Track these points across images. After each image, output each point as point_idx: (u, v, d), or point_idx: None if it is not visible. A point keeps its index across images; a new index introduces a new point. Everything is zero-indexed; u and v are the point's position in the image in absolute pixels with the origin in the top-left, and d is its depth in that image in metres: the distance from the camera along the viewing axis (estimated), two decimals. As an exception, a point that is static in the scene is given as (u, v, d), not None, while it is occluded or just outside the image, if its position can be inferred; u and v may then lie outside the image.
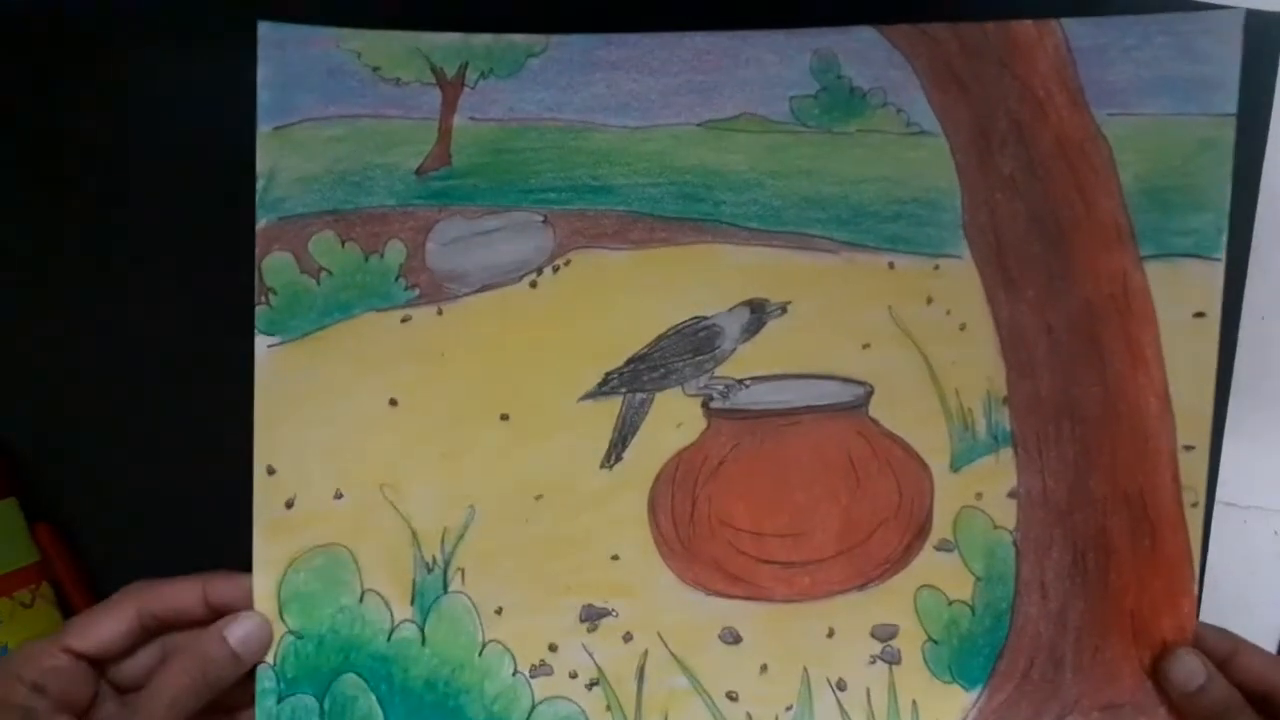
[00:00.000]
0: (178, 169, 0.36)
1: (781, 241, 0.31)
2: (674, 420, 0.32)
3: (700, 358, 0.32)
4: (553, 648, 0.31)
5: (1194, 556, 0.31)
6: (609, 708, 0.31)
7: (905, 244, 0.31)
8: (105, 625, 0.28)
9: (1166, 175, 0.30)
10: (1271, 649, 0.36)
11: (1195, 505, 0.31)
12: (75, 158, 0.36)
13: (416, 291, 0.31)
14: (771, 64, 0.31)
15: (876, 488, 0.32)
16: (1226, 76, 0.29)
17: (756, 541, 0.32)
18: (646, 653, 0.31)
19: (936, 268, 0.31)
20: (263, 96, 0.30)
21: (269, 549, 0.30)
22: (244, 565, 0.31)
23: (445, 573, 0.31)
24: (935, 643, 0.32)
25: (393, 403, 0.31)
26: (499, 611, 0.31)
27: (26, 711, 0.26)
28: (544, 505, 0.31)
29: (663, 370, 0.32)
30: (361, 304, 0.31)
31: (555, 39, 0.31)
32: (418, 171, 0.31)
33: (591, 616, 0.31)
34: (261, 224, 0.30)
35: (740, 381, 0.32)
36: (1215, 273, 0.30)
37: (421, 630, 0.31)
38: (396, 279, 0.31)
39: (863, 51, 0.30)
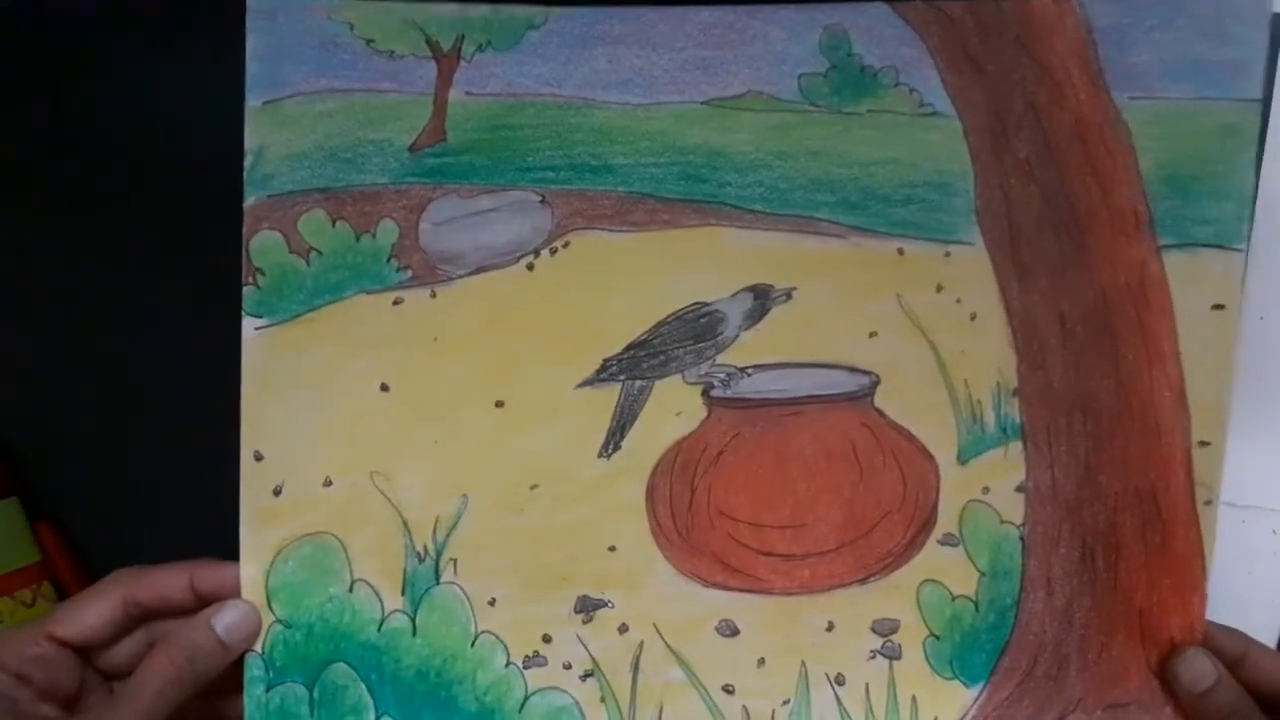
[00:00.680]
0: (179, 168, 0.36)
1: (787, 225, 0.31)
2: (674, 409, 0.32)
3: (701, 345, 0.32)
4: (547, 639, 0.31)
5: (1206, 555, 0.31)
6: (603, 699, 0.31)
7: (915, 229, 0.31)
8: (90, 612, 0.28)
9: (1188, 162, 0.29)
10: (1272, 645, 0.36)
11: (1209, 503, 0.31)
12: (75, 157, 0.37)
13: (409, 273, 0.31)
14: (779, 40, 0.30)
15: (881, 480, 0.32)
16: (1253, 60, 0.29)
17: (756, 533, 0.32)
18: (642, 645, 0.31)
19: (947, 255, 0.31)
20: (251, 69, 0.30)
21: (256, 537, 0.30)
22: None
23: (437, 563, 0.31)
24: (937, 638, 0.32)
25: (384, 388, 0.31)
26: (492, 602, 0.31)
27: (9, 701, 0.27)
28: (539, 495, 0.31)
29: (663, 357, 0.31)
30: (352, 285, 0.31)
31: (556, 11, 0.31)
32: (411, 148, 0.31)
33: (587, 608, 0.31)
34: (249, 202, 0.30)
35: (742, 370, 0.32)
36: (1236, 264, 0.30)
37: (413, 621, 0.31)
38: (388, 260, 0.31)
39: (874, 28, 0.30)
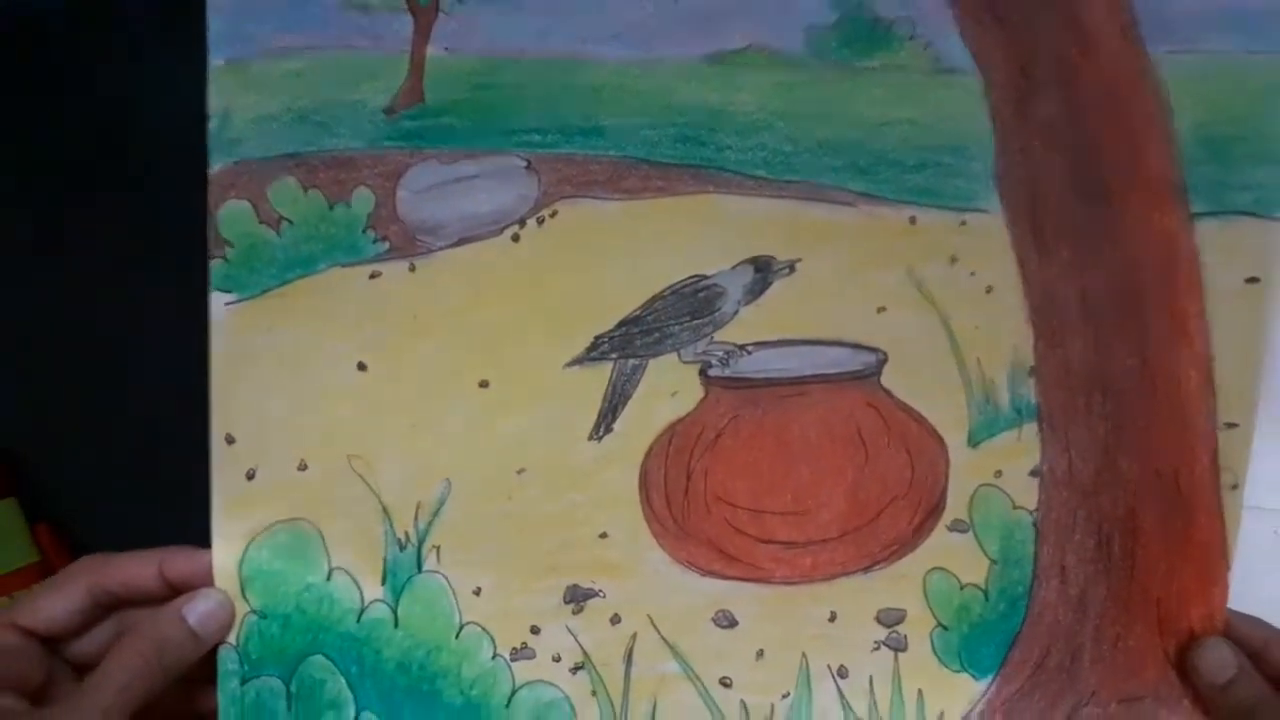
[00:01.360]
0: (179, 169, 0.34)
1: (791, 192, 0.30)
2: (669, 389, 0.31)
3: (698, 321, 0.31)
4: (535, 630, 0.31)
5: (1230, 542, 0.31)
6: (594, 693, 0.31)
7: (929, 196, 0.30)
8: (55, 601, 0.28)
9: (1229, 123, 0.28)
10: None
11: (1235, 487, 0.30)
12: (75, 158, 0.38)
13: (386, 245, 0.30)
14: None
15: (887, 463, 0.31)
16: None
17: (755, 520, 0.32)
18: (635, 636, 0.31)
19: (963, 223, 0.30)
20: (213, 24, 0.29)
21: (229, 523, 0.30)
22: None
23: (419, 551, 0.31)
24: (945, 629, 0.32)
25: (361, 367, 0.30)
26: (477, 592, 0.31)
27: None
28: (526, 480, 0.31)
29: (657, 334, 0.31)
30: (326, 258, 0.30)
31: None
32: (387, 110, 0.30)
33: (577, 598, 0.31)
34: (215, 169, 0.29)
35: (742, 347, 0.31)
36: (1276, 234, 0.29)
37: (394, 611, 0.31)
38: (364, 230, 0.30)
39: None
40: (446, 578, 0.31)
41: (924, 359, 0.31)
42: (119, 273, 0.39)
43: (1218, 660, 0.30)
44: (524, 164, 0.30)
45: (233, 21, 0.29)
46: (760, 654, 0.32)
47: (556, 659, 0.31)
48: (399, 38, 0.30)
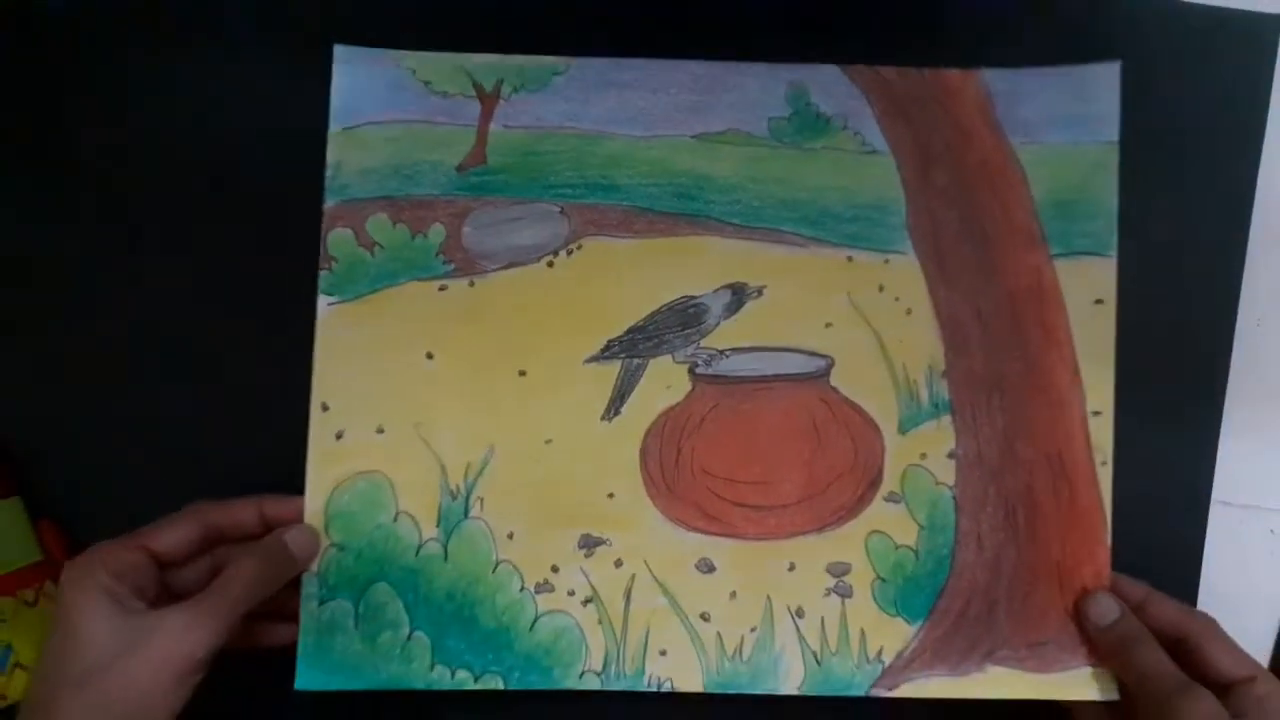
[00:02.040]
0: (177, 170, 0.39)
1: (760, 236, 0.39)
2: (664, 383, 0.38)
3: (688, 331, 0.39)
4: (555, 569, 0.38)
5: (1106, 511, 0.38)
6: (600, 621, 0.38)
7: (861, 241, 0.39)
8: (175, 531, 0.34)
9: (1067, 190, 0.39)
10: (1267, 647, 0.41)
11: (1104, 464, 0.38)
12: (75, 158, 0.39)
13: (453, 266, 0.38)
14: (754, 90, 0.39)
15: (835, 446, 0.39)
16: (1110, 113, 0.38)
17: (731, 487, 0.38)
18: (634, 577, 0.38)
19: (886, 261, 0.39)
20: (335, 102, 0.38)
21: (319, 473, 0.37)
22: None
23: (466, 501, 0.37)
24: (883, 580, 0.38)
25: (429, 356, 0.38)
26: (510, 536, 0.37)
27: (111, 594, 0.32)
28: (552, 449, 0.38)
29: (656, 340, 0.39)
30: (406, 274, 0.38)
31: (577, 61, 0.39)
32: (458, 168, 0.39)
33: (588, 544, 0.38)
34: (329, 205, 0.38)
35: (721, 352, 0.39)
36: (1110, 267, 0.38)
37: (445, 548, 0.37)
38: (437, 255, 0.38)
39: (827, 85, 0.39)
40: (487, 523, 0.38)
41: (862, 364, 0.39)
42: (120, 272, 0.39)
43: (1103, 607, 0.37)
44: (558, 210, 0.39)
45: (348, 100, 0.39)
46: (733, 595, 0.38)
47: (571, 593, 0.38)
48: (469, 116, 0.39)
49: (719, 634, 0.38)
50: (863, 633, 0.38)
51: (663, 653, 0.38)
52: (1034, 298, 0.39)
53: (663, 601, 0.38)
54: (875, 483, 0.39)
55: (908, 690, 0.38)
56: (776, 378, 0.39)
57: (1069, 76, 0.39)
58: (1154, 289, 0.40)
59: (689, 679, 0.38)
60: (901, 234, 0.39)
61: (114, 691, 0.31)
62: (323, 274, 0.38)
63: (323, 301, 0.38)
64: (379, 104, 0.39)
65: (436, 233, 0.39)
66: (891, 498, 0.39)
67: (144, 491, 0.36)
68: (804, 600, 0.38)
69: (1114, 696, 0.37)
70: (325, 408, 0.38)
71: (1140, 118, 0.39)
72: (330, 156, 0.39)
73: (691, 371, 0.39)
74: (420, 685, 0.37)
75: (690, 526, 0.38)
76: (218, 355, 0.39)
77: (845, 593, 0.38)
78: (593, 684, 0.37)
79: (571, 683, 0.37)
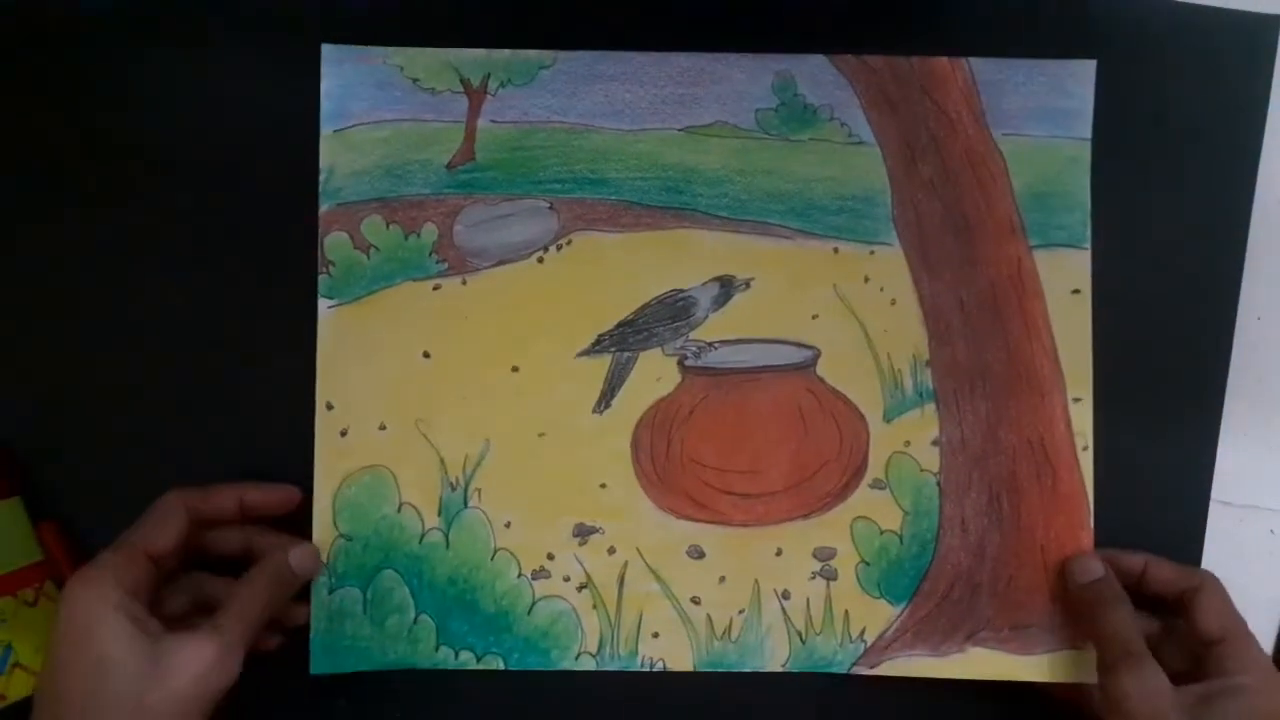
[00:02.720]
0: (181, 169, 0.40)
1: (747, 229, 0.40)
2: (654, 375, 0.40)
3: (677, 323, 0.40)
4: (550, 556, 0.40)
5: (1088, 495, 0.40)
6: (595, 606, 0.40)
7: (847, 233, 0.40)
8: (167, 529, 0.35)
9: (1045, 183, 0.40)
10: (1268, 647, 0.42)
11: (1086, 449, 0.40)
12: (75, 159, 0.40)
13: (446, 265, 0.40)
14: (741, 82, 0.40)
15: (821, 434, 0.40)
16: (1084, 110, 0.39)
17: (720, 476, 0.41)
18: (626, 564, 0.40)
19: (872, 253, 0.40)
20: (325, 105, 0.40)
21: (327, 468, 0.40)
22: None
23: (465, 491, 0.40)
24: (867, 564, 0.40)
25: (425, 355, 0.40)
26: (508, 525, 0.40)
27: (129, 613, 0.32)
28: (546, 441, 0.40)
29: (646, 333, 0.40)
30: (402, 275, 0.40)
31: (563, 55, 0.40)
32: (448, 166, 0.40)
33: (583, 533, 0.40)
34: (324, 209, 0.40)
35: (710, 344, 0.40)
36: (1084, 259, 0.40)
37: (446, 537, 0.40)
38: (430, 255, 0.40)
39: (814, 75, 0.40)
40: (485, 513, 0.40)
41: (848, 354, 0.40)
42: (123, 272, 0.40)
43: (1086, 565, 0.38)
44: (548, 205, 0.40)
45: (339, 103, 0.40)
46: (722, 579, 0.40)
47: (566, 579, 0.40)
48: (457, 112, 0.40)
49: (709, 616, 0.41)
50: (846, 614, 0.40)
51: (655, 635, 0.40)
52: (1014, 287, 0.40)
53: (655, 587, 0.41)
54: (861, 470, 0.41)
55: (888, 669, 0.40)
56: (764, 369, 0.41)
57: (1048, 70, 0.40)
58: (1151, 289, 0.41)
59: (680, 659, 0.40)
60: (887, 225, 0.41)
61: None
62: (322, 278, 0.40)
63: (323, 304, 0.40)
64: (368, 103, 0.40)
65: (429, 232, 0.41)
66: (877, 484, 0.41)
67: (146, 491, 0.37)
68: (790, 583, 0.41)
69: (1093, 679, 0.39)
70: (330, 406, 0.40)
71: (1140, 116, 0.40)
72: (323, 160, 0.40)
73: (681, 364, 0.41)
74: (426, 665, 0.40)
75: (680, 514, 0.41)
76: (218, 354, 0.41)
77: (830, 576, 0.41)
78: (588, 664, 0.40)
79: (568, 663, 0.40)
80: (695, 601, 0.41)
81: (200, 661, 0.32)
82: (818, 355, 0.41)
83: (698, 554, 0.41)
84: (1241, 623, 0.37)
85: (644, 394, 0.41)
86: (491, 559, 0.40)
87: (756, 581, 0.41)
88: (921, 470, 0.41)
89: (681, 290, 0.40)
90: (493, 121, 0.40)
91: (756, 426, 0.41)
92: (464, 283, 0.41)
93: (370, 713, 0.41)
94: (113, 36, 0.41)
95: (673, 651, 0.41)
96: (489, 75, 0.40)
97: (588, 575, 0.41)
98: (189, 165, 0.41)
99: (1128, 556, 0.39)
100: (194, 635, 0.33)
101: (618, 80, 0.40)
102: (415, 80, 0.40)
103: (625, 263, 0.40)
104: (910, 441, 0.41)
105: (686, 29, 0.41)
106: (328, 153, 0.40)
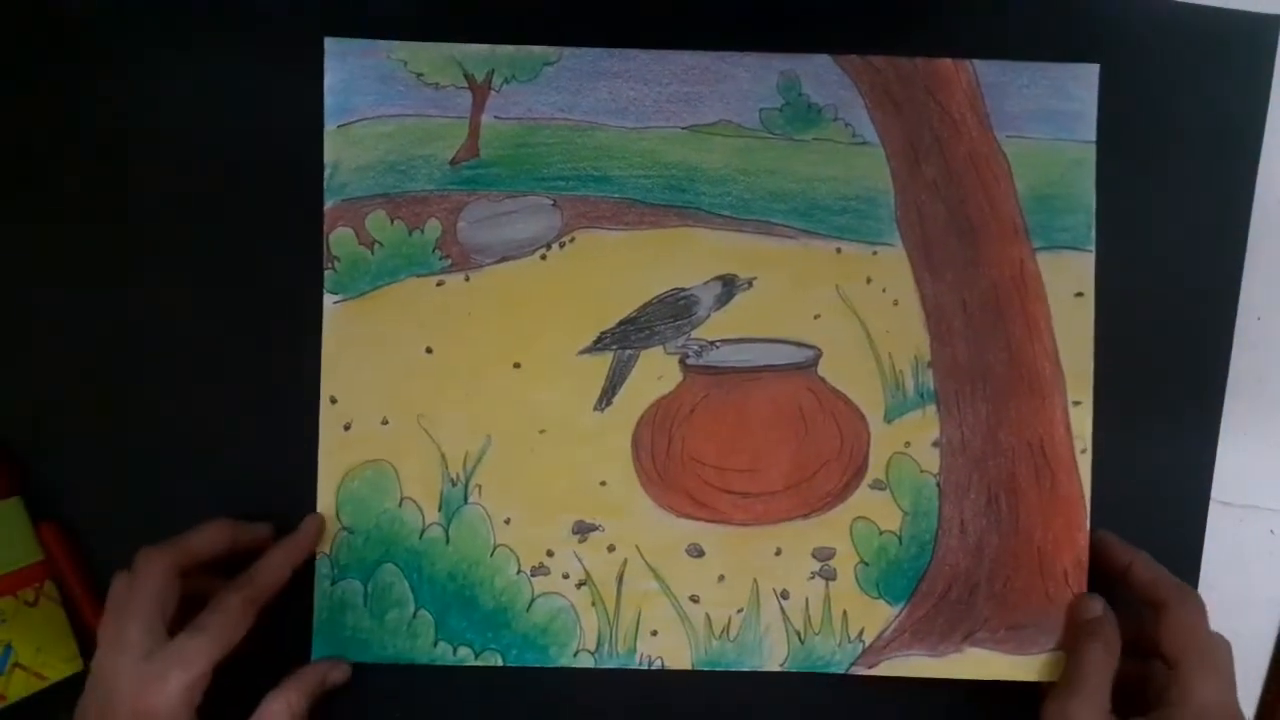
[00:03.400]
0: (184, 165, 0.41)
1: (750, 228, 0.41)
2: (656, 373, 0.41)
3: (679, 322, 0.41)
4: (550, 553, 0.41)
5: (1086, 498, 0.41)
6: (594, 604, 0.41)
7: (850, 233, 0.41)
8: (206, 540, 0.38)
9: (1049, 185, 0.41)
10: (1268, 647, 0.43)
11: (1084, 452, 0.41)
12: (75, 159, 0.41)
13: (449, 261, 0.41)
14: (745, 81, 0.41)
15: (822, 434, 0.41)
16: (1088, 113, 0.40)
17: (720, 475, 0.41)
18: (626, 561, 0.41)
19: (875, 253, 0.41)
20: (329, 100, 0.41)
21: (330, 462, 0.41)
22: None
23: (466, 487, 0.41)
24: (866, 564, 0.41)
25: (428, 350, 0.41)
26: (508, 521, 0.41)
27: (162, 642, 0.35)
28: (547, 438, 0.41)
29: (647, 331, 0.41)
30: (405, 270, 0.41)
31: (568, 51, 0.41)
32: (452, 162, 0.41)
33: (582, 530, 0.41)
34: (329, 205, 0.41)
35: (712, 343, 0.41)
36: (1088, 261, 0.41)
37: (446, 532, 0.41)
38: (433, 251, 0.41)
39: (819, 75, 0.41)
40: (485, 509, 0.41)
41: (849, 355, 0.41)
42: (123, 272, 0.41)
43: (1087, 605, 0.40)
44: (551, 203, 0.41)
45: (343, 98, 0.41)
46: (721, 578, 0.41)
47: (566, 576, 0.41)
48: (461, 108, 0.41)
49: (707, 615, 0.42)
50: (845, 614, 0.42)
51: (654, 633, 0.42)
52: (1017, 289, 0.41)
53: (654, 585, 0.42)
54: (861, 470, 0.42)
55: (886, 669, 0.41)
56: (765, 368, 0.42)
57: (1051, 73, 0.41)
58: (1151, 289, 0.42)
59: (678, 657, 0.42)
60: (890, 226, 0.42)
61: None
62: (327, 273, 0.41)
63: (328, 300, 0.41)
64: (372, 98, 0.41)
65: (433, 228, 0.42)
66: (877, 485, 0.42)
67: (146, 491, 0.38)
68: (789, 583, 0.42)
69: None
70: (334, 400, 0.41)
71: (1140, 117, 0.40)
72: (327, 156, 0.41)
73: (682, 362, 0.42)
74: (424, 660, 0.41)
75: (680, 513, 0.42)
76: (219, 353, 0.42)
77: (829, 576, 0.42)
78: (586, 662, 0.41)
79: (566, 661, 0.41)
80: (694, 600, 0.42)
81: (184, 660, 0.35)
82: (819, 355, 0.42)
83: (697, 552, 0.42)
84: (1205, 653, 0.37)
85: (645, 392, 0.42)
86: (491, 555, 0.41)
87: (755, 581, 0.42)
88: (921, 471, 0.42)
89: (684, 289, 0.41)
90: (497, 118, 0.41)
91: (757, 426, 0.42)
92: (467, 279, 0.42)
93: (369, 709, 0.42)
94: (114, 32, 0.42)
95: (671, 650, 0.42)
96: (493, 71, 0.41)
97: (587, 572, 0.42)
98: (192, 161, 0.42)
99: (1120, 548, 0.40)
100: (183, 634, 0.35)
101: (622, 78, 0.41)
102: (419, 75, 0.41)
103: (628, 261, 0.41)
104: (911, 442, 0.42)
105: (691, 27, 0.42)
106: (332, 148, 0.41)
